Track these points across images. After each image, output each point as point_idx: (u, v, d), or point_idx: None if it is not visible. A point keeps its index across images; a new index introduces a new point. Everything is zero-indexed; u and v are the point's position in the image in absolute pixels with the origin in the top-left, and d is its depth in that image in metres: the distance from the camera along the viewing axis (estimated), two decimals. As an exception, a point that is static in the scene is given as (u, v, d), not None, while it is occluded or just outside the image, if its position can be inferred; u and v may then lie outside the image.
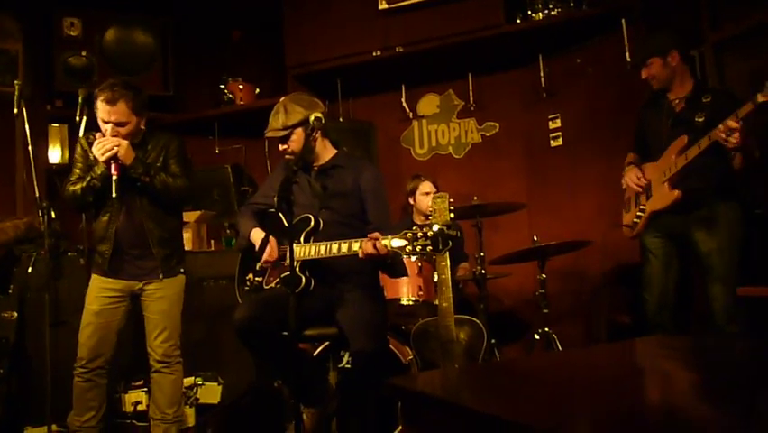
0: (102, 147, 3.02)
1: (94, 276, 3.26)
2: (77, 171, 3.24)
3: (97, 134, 3.13)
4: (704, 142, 3.04)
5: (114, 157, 3.02)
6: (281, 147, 3.02)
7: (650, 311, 3.39)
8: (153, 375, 3.28)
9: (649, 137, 3.48)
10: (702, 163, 3.10)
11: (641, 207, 3.39)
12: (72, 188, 3.19)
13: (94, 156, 3.09)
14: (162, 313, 3.25)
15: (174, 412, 3.27)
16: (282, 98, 3.10)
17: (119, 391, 3.95)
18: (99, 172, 3.09)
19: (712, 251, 3.16)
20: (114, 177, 3.01)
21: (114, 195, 3.00)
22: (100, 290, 3.22)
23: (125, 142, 3.06)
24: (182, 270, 3.37)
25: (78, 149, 3.28)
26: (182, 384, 3.38)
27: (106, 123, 3.08)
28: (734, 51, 3.75)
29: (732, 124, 2.90)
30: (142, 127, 3.23)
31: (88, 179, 3.14)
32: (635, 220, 3.42)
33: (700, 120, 3.16)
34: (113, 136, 3.06)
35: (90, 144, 3.14)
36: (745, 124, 2.89)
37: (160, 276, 3.25)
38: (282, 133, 2.97)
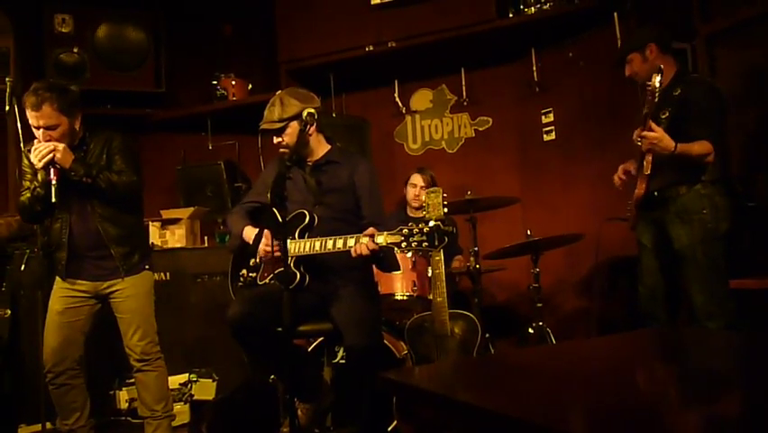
0: (38, 153, 2.92)
1: (57, 279, 3.22)
2: (26, 183, 3.15)
3: (34, 142, 3.03)
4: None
5: (52, 162, 2.92)
6: (276, 140, 3.01)
7: (642, 302, 3.38)
8: (136, 375, 3.25)
9: None
10: (670, 157, 3.05)
11: (629, 201, 3.40)
12: (21, 199, 3.13)
13: None
14: (133, 312, 3.21)
15: (163, 408, 3.25)
16: (278, 92, 3.09)
17: (113, 389, 3.96)
18: (41, 179, 3.01)
19: (684, 248, 3.12)
20: (54, 182, 2.92)
21: (53, 200, 2.92)
22: (63, 291, 3.19)
23: (61, 146, 2.96)
24: (147, 266, 3.32)
25: (24, 160, 3.16)
26: (167, 379, 3.35)
27: (38, 128, 2.99)
28: (725, 44, 3.76)
29: (638, 130, 3.03)
30: (77, 127, 3.12)
31: (32, 188, 3.07)
32: (628, 214, 3.42)
33: (664, 117, 3.15)
34: (46, 141, 2.96)
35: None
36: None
37: (122, 275, 3.20)
38: (277, 126, 2.96)
